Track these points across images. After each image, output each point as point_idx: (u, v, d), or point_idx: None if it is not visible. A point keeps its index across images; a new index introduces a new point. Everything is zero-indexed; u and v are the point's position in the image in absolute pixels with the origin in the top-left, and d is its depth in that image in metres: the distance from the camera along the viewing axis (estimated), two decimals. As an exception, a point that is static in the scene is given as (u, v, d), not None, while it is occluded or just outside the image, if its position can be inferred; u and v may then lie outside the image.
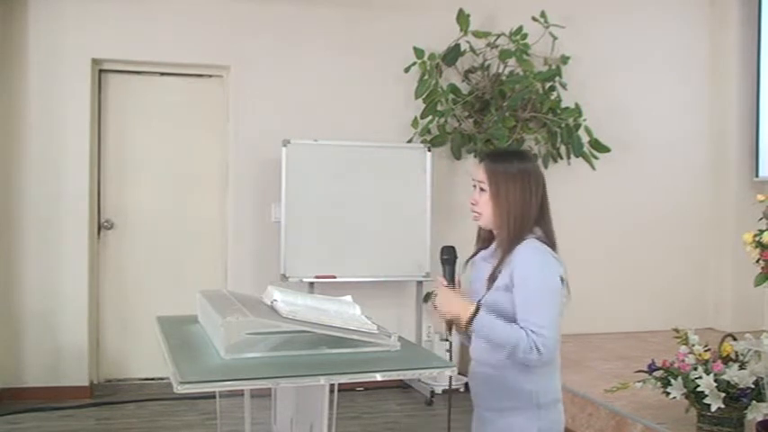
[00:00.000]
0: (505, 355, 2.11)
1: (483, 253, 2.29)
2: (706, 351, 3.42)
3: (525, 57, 5.64)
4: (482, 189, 2.24)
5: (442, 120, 5.68)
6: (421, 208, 5.44)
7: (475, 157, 5.65)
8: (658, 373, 3.48)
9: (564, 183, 5.93)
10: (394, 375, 2.01)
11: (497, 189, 2.21)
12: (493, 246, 2.25)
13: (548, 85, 5.80)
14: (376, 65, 5.73)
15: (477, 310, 2.13)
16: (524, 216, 2.19)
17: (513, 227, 2.18)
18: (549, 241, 2.21)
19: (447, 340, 2.35)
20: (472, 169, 2.31)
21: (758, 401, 3.28)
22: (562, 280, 2.16)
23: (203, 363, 2.01)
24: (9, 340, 5.16)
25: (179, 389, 1.80)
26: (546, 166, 5.83)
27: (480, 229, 2.31)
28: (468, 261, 2.34)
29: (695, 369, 3.35)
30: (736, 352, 3.39)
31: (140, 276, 5.56)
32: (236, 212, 5.58)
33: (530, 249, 2.15)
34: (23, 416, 4.79)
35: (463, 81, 5.81)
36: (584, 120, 5.85)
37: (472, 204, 2.27)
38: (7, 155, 5.19)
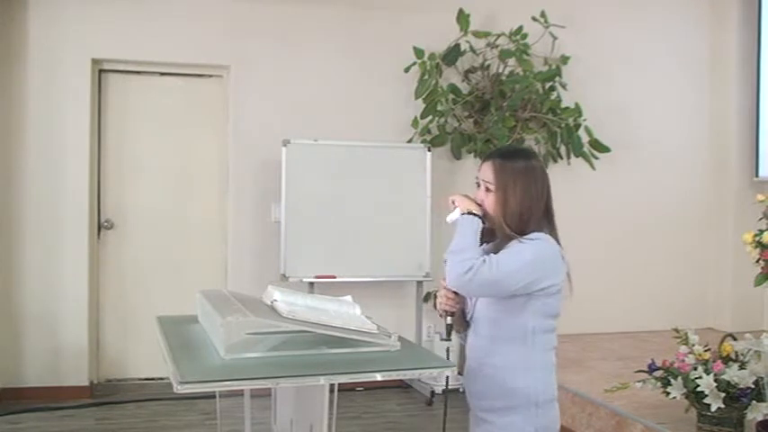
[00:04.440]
0: (451, 255, 2.12)
1: (485, 247, 2.23)
2: (706, 351, 3.42)
3: (525, 57, 5.64)
4: (488, 189, 2.21)
5: (442, 120, 5.67)
6: (421, 208, 5.44)
7: (475, 157, 5.64)
8: (658, 373, 3.48)
9: (564, 183, 5.89)
10: (394, 375, 2.01)
11: (506, 188, 2.17)
12: (497, 241, 2.21)
13: (548, 85, 5.80)
14: (376, 65, 5.72)
15: (476, 216, 2.18)
16: (532, 214, 2.16)
17: (517, 224, 2.15)
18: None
19: (447, 339, 2.33)
20: (481, 168, 2.26)
21: (758, 401, 3.28)
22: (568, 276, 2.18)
23: (203, 363, 2.02)
24: (9, 340, 5.16)
25: (179, 389, 1.80)
26: (546, 166, 5.82)
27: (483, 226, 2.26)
28: None
29: (695, 369, 3.35)
30: (736, 352, 3.40)
31: (140, 276, 5.56)
32: (236, 212, 5.58)
33: (538, 237, 2.14)
34: (23, 416, 4.79)
35: (463, 81, 5.81)
36: (584, 120, 5.85)
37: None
38: (7, 155, 5.19)
